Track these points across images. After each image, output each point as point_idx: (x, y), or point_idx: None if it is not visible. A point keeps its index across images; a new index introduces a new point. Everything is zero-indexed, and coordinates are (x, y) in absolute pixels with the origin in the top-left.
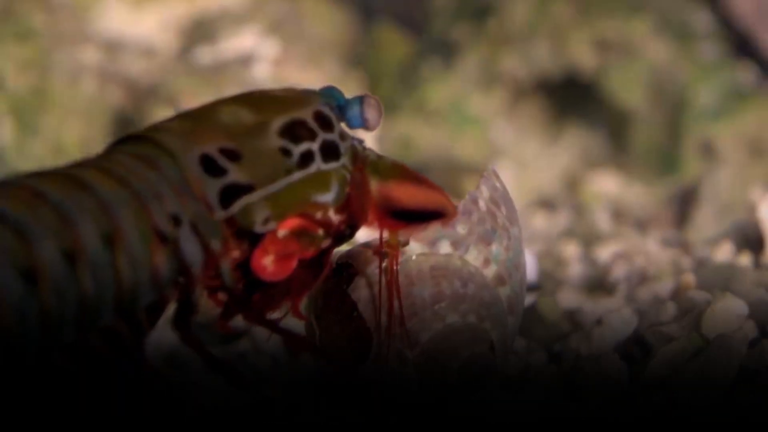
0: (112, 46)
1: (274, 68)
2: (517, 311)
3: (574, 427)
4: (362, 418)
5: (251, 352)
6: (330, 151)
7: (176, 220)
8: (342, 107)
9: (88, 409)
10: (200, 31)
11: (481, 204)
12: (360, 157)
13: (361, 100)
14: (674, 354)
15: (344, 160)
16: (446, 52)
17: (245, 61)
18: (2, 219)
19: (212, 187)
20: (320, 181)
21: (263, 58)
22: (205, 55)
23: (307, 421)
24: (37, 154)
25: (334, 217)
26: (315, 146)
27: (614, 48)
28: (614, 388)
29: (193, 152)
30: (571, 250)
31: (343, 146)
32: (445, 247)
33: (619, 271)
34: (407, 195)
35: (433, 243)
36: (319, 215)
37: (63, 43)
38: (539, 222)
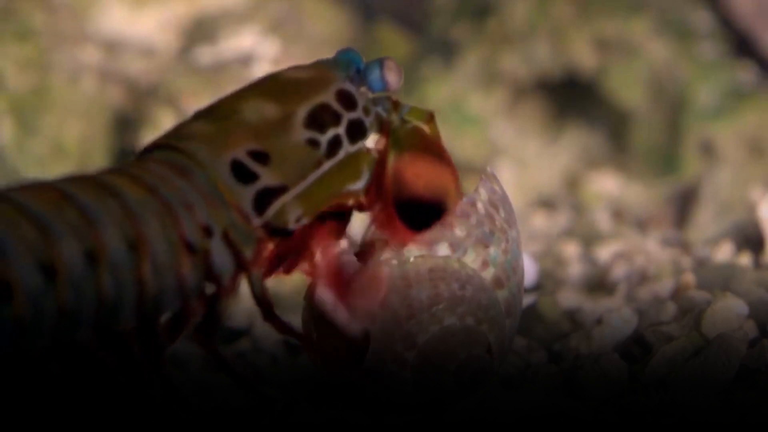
0: (112, 46)
1: (274, 68)
2: (515, 313)
3: (574, 426)
4: (362, 418)
5: (251, 351)
6: (356, 131)
7: (207, 231)
8: (362, 71)
9: (88, 410)
10: (200, 31)
11: (480, 206)
12: (385, 126)
13: (380, 63)
14: (674, 353)
15: (371, 133)
16: (446, 51)
17: (245, 60)
18: (27, 214)
19: (246, 195)
20: (351, 169)
21: (263, 58)
22: (205, 55)
23: (307, 421)
24: (37, 154)
25: (365, 200)
26: (341, 130)
27: (614, 48)
28: (614, 387)
29: (223, 159)
30: (571, 249)
31: (368, 121)
32: (443, 250)
33: (619, 271)
34: (415, 172)
35: (431, 245)
36: (350, 202)
37: (63, 43)
38: (539, 222)
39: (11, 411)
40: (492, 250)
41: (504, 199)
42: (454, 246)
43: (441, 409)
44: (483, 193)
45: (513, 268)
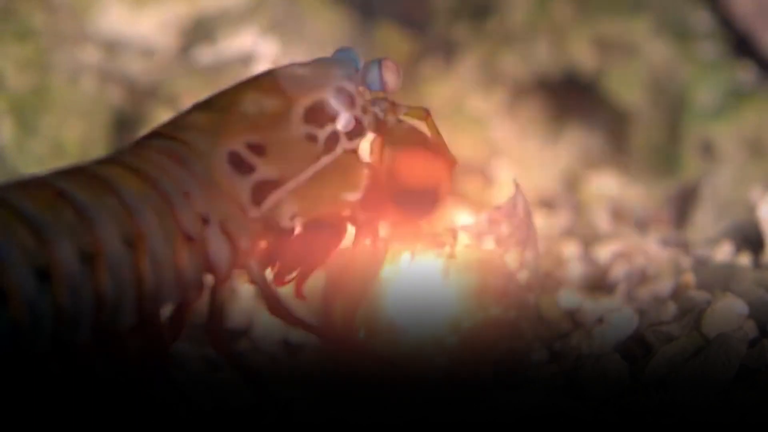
0: (112, 46)
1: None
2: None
3: (574, 426)
4: (362, 418)
5: (250, 351)
6: (354, 129)
7: (204, 220)
8: (360, 71)
9: (88, 410)
10: (200, 30)
11: (520, 211)
12: (381, 126)
13: (379, 63)
14: (674, 353)
15: (368, 132)
16: (446, 51)
17: (245, 60)
18: (21, 217)
19: (243, 187)
20: (349, 177)
21: (263, 58)
22: (205, 54)
23: (307, 421)
24: (37, 154)
25: (359, 214)
26: (339, 126)
27: (614, 48)
28: (614, 387)
29: (221, 150)
30: (570, 249)
31: (366, 119)
32: (489, 244)
33: (619, 271)
34: (409, 164)
35: (479, 238)
36: (345, 213)
37: (63, 43)
38: (539, 222)
39: (11, 411)
40: (528, 254)
41: (530, 214)
42: (500, 242)
43: (443, 405)
44: (520, 202)
45: (538, 279)
